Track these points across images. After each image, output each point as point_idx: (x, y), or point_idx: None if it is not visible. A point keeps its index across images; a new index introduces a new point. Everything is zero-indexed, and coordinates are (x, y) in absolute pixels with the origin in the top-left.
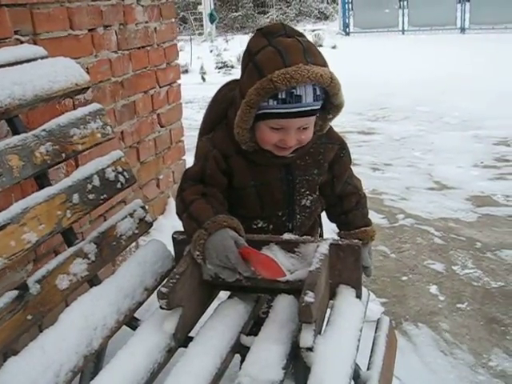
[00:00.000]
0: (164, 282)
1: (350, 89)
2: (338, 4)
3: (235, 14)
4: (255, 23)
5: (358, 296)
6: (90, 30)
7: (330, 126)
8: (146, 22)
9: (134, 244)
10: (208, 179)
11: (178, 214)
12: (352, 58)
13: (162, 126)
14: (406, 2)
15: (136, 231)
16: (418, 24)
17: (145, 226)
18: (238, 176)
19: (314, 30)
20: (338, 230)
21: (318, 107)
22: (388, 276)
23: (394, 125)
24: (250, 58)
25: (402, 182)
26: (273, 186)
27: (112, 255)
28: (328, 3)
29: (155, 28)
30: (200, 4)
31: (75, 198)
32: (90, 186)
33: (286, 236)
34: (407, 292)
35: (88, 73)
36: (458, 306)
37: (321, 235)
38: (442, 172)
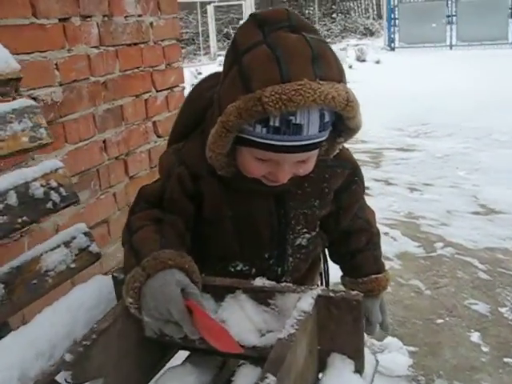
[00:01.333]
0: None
1: (391, 104)
2: (383, 20)
3: None
4: None
5: (358, 370)
6: (61, 20)
7: (341, 150)
8: (140, 16)
9: None
10: (168, 203)
11: (122, 244)
12: (396, 72)
13: (158, 136)
14: (454, 17)
15: (73, 265)
16: (467, 39)
17: (88, 259)
18: (211, 204)
19: (357, 45)
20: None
21: (324, 138)
22: (420, 318)
23: (437, 141)
24: (235, 57)
25: (443, 204)
26: (258, 219)
27: (29, 298)
28: (374, 19)
29: (151, 23)
30: (242, 20)
31: None
32: (0, 206)
33: (259, 282)
34: (443, 339)
35: (58, 70)
36: (506, 360)
37: (326, 284)
38: (489, 194)
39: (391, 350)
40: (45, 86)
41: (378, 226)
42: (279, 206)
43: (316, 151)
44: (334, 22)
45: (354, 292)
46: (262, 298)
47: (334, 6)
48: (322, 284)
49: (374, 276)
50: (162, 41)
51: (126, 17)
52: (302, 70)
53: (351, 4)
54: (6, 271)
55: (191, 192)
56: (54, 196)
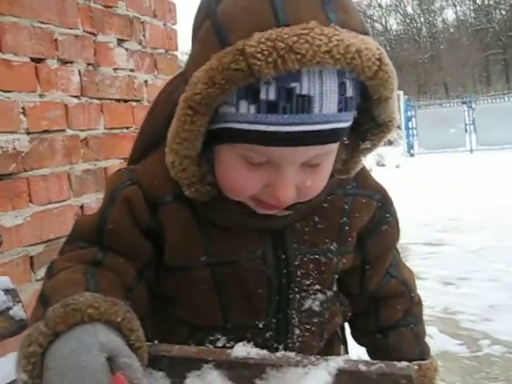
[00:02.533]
0: None
1: (414, 203)
2: (401, 129)
3: None
4: None
5: None
6: (34, 60)
7: (364, 168)
8: (132, 71)
9: None
10: (110, 238)
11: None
12: (416, 176)
13: None
14: (472, 126)
15: None
16: (487, 143)
17: (7, 327)
18: (176, 244)
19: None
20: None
21: (348, 125)
22: None
23: (468, 236)
24: (207, 10)
25: (484, 298)
26: (247, 269)
27: None
28: None
29: (146, 81)
30: None
31: None
32: None
33: (238, 351)
34: None
35: (24, 115)
36: None
37: None
38: None
39: None
40: (6, 132)
41: None
42: (278, 249)
43: (334, 147)
44: None
45: (403, 363)
46: (245, 376)
47: None
48: None
49: (416, 363)
50: None
51: (115, 69)
52: (309, 11)
53: None
54: None
55: (146, 224)
56: None
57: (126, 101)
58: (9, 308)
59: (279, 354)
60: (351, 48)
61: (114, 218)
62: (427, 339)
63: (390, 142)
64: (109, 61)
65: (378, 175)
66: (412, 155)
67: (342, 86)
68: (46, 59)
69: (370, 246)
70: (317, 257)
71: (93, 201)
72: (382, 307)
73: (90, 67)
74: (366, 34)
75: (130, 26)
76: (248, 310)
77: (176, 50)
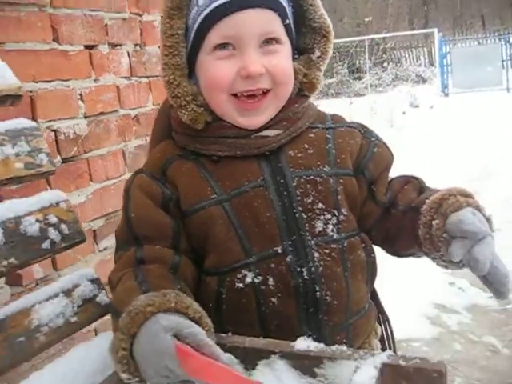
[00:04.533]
0: None
1: (449, 148)
2: (436, 67)
3: (330, 80)
4: (350, 89)
5: None
6: (87, 47)
7: (338, 114)
8: None
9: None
10: (139, 230)
11: None
12: (451, 117)
13: None
14: (509, 62)
15: (74, 319)
16: None
17: (94, 312)
18: (187, 189)
19: (409, 91)
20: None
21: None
22: (499, 381)
23: (500, 185)
24: None
25: None
26: (252, 197)
27: (14, 360)
28: (426, 66)
29: None
30: None
31: None
32: None
33: (301, 344)
34: None
35: (82, 100)
36: None
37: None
38: None
39: None
40: (67, 118)
41: (441, 274)
42: (277, 175)
43: (275, 23)
44: (385, 71)
45: (435, 361)
46: (305, 366)
47: (384, 55)
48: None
49: (445, 188)
50: None
51: (159, 46)
52: None
53: (402, 52)
54: None
55: (161, 196)
56: (53, 234)
57: None
58: (95, 295)
59: (334, 347)
60: None
61: (134, 207)
62: (458, 293)
63: (424, 80)
64: (154, 39)
65: (412, 117)
66: (446, 95)
67: None
68: (97, 45)
69: (371, 169)
70: (312, 177)
71: None
72: (398, 200)
73: (138, 47)
74: None
75: None
76: (263, 236)
77: None
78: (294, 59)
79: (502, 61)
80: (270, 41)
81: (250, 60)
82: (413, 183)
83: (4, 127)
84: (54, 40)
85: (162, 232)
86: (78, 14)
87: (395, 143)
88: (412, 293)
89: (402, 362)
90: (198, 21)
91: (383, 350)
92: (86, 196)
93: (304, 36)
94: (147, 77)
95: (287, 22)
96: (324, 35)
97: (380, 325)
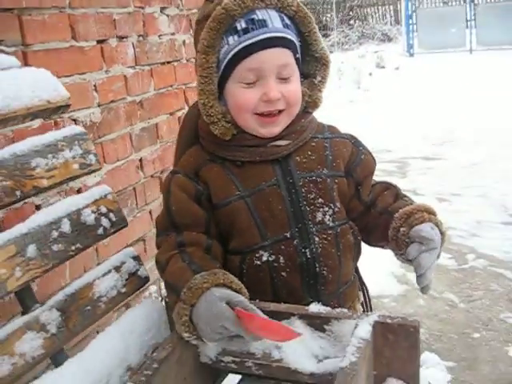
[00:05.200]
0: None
1: (413, 111)
2: (401, 25)
3: None
4: None
5: None
6: (99, 42)
7: (333, 126)
8: (172, 34)
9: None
10: (177, 219)
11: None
12: (416, 79)
13: None
14: (473, 22)
15: (123, 290)
16: (487, 43)
17: (137, 283)
18: (217, 188)
19: (376, 52)
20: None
21: (292, 38)
22: (456, 332)
23: (463, 150)
24: (197, 23)
25: (473, 215)
26: (267, 193)
27: (84, 325)
28: (391, 25)
29: (184, 41)
30: None
31: (31, 250)
32: (55, 234)
33: (314, 308)
34: (480, 354)
35: (96, 91)
36: None
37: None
38: None
39: (429, 365)
40: (84, 108)
41: None
42: (286, 175)
43: (291, 59)
44: (351, 29)
45: (412, 318)
46: (317, 324)
47: (351, 13)
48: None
49: (416, 204)
50: (193, 58)
51: (160, 36)
52: None
53: (368, 10)
54: (62, 299)
55: (194, 192)
56: (104, 222)
57: (169, 62)
58: (137, 270)
59: (338, 310)
60: None
61: (174, 201)
62: None
63: (390, 39)
64: (155, 29)
65: (378, 78)
66: (412, 55)
67: (281, 17)
68: (108, 39)
69: (357, 173)
70: (314, 178)
71: (148, 154)
72: (377, 202)
73: (141, 38)
74: None
75: None
76: (276, 224)
77: None
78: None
79: (467, 21)
80: (285, 71)
81: (271, 88)
82: (391, 190)
83: (62, 134)
84: (72, 38)
85: (197, 220)
86: (91, 12)
87: (362, 105)
88: (382, 255)
89: (388, 320)
90: (229, 56)
91: (365, 311)
92: (100, 176)
93: (307, 63)
94: (149, 65)
95: (297, 56)
96: (324, 63)
97: (361, 292)
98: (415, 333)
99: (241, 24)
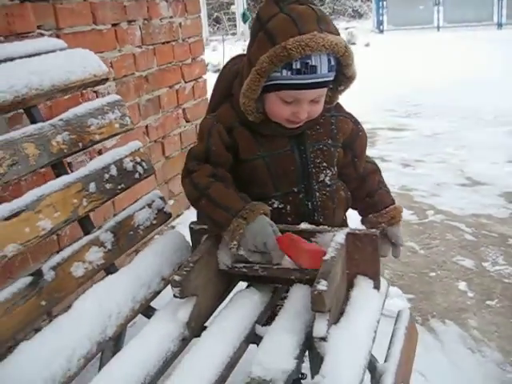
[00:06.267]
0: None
1: (383, 86)
2: (371, 2)
3: None
4: None
5: (376, 287)
6: (113, 25)
7: (338, 102)
8: (171, 17)
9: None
10: (213, 157)
11: (190, 198)
12: (385, 55)
13: (187, 121)
14: (440, 0)
15: (154, 222)
16: (453, 20)
17: (163, 217)
18: (244, 147)
19: (347, 28)
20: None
21: (332, 78)
22: (416, 272)
23: (426, 121)
24: (260, 26)
25: (433, 178)
26: (283, 156)
27: (129, 245)
28: (362, 1)
29: (180, 23)
30: (233, 4)
31: (92, 186)
32: (107, 176)
33: (303, 225)
34: (435, 288)
35: (112, 67)
36: (488, 302)
37: None
38: (474, 168)
39: (392, 297)
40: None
41: None
42: (299, 144)
43: (325, 90)
44: (323, 5)
45: (373, 229)
46: (306, 237)
47: None
48: None
49: (392, 206)
50: (188, 38)
51: (161, 19)
52: (312, 26)
53: None
54: (113, 224)
55: (228, 142)
56: (139, 169)
57: (168, 42)
58: (163, 207)
59: (321, 227)
60: (333, 43)
61: (213, 143)
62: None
63: (360, 15)
64: (157, 13)
65: None
66: (381, 32)
67: (329, 60)
68: (120, 23)
69: (355, 147)
70: (321, 147)
71: (152, 121)
72: (367, 181)
73: (146, 21)
74: (338, 34)
75: None
76: (287, 180)
77: None
78: None
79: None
80: (317, 98)
81: (301, 112)
82: (377, 174)
83: (106, 101)
84: (93, 22)
85: (226, 163)
86: (107, 0)
87: None
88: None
89: (357, 232)
90: (279, 82)
91: None
92: (116, 140)
93: (336, 77)
94: (153, 44)
95: (330, 86)
96: (350, 80)
97: None
98: (376, 239)
99: (296, 64)
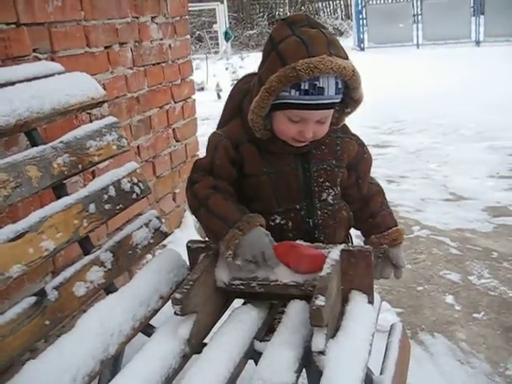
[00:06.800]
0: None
1: (366, 103)
2: (352, 20)
3: (250, 32)
4: None
5: (370, 301)
6: (105, 48)
7: (345, 124)
8: (161, 39)
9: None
10: (216, 170)
11: (190, 207)
12: (367, 72)
13: (177, 141)
14: (419, 17)
15: (151, 241)
16: (432, 38)
17: (160, 236)
18: (250, 163)
19: None
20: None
21: (338, 100)
22: (404, 286)
23: (409, 138)
24: (272, 46)
25: (417, 193)
26: (287, 174)
27: (128, 264)
28: (342, 19)
29: (170, 45)
30: (215, 23)
31: (91, 207)
32: (105, 197)
33: (299, 242)
34: (423, 302)
35: (104, 89)
36: (475, 315)
37: None
38: (457, 183)
39: (381, 311)
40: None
41: None
42: (303, 163)
43: (331, 112)
44: None
45: (366, 246)
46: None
47: (303, 7)
48: None
49: (395, 228)
50: (177, 59)
51: (151, 41)
52: (322, 50)
53: (320, 5)
54: (113, 244)
55: (233, 158)
56: (136, 189)
57: (158, 63)
58: (160, 226)
59: (316, 244)
60: (341, 67)
61: (218, 157)
62: None
63: (341, 33)
64: (147, 36)
65: None
66: (362, 49)
67: (336, 83)
68: (112, 45)
69: (359, 169)
70: (324, 166)
71: (144, 142)
72: (370, 203)
73: (137, 43)
74: (347, 58)
75: (158, 5)
76: (290, 197)
77: (187, 14)
78: None
79: (414, 16)
80: (323, 119)
81: (308, 130)
82: (380, 196)
83: (103, 123)
84: (86, 45)
85: (229, 177)
86: (100, 23)
87: None
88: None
89: (351, 248)
90: (287, 101)
91: None
92: (109, 161)
93: (343, 99)
94: (143, 66)
95: (337, 108)
96: (357, 103)
97: None
98: (370, 256)
99: (304, 85)
